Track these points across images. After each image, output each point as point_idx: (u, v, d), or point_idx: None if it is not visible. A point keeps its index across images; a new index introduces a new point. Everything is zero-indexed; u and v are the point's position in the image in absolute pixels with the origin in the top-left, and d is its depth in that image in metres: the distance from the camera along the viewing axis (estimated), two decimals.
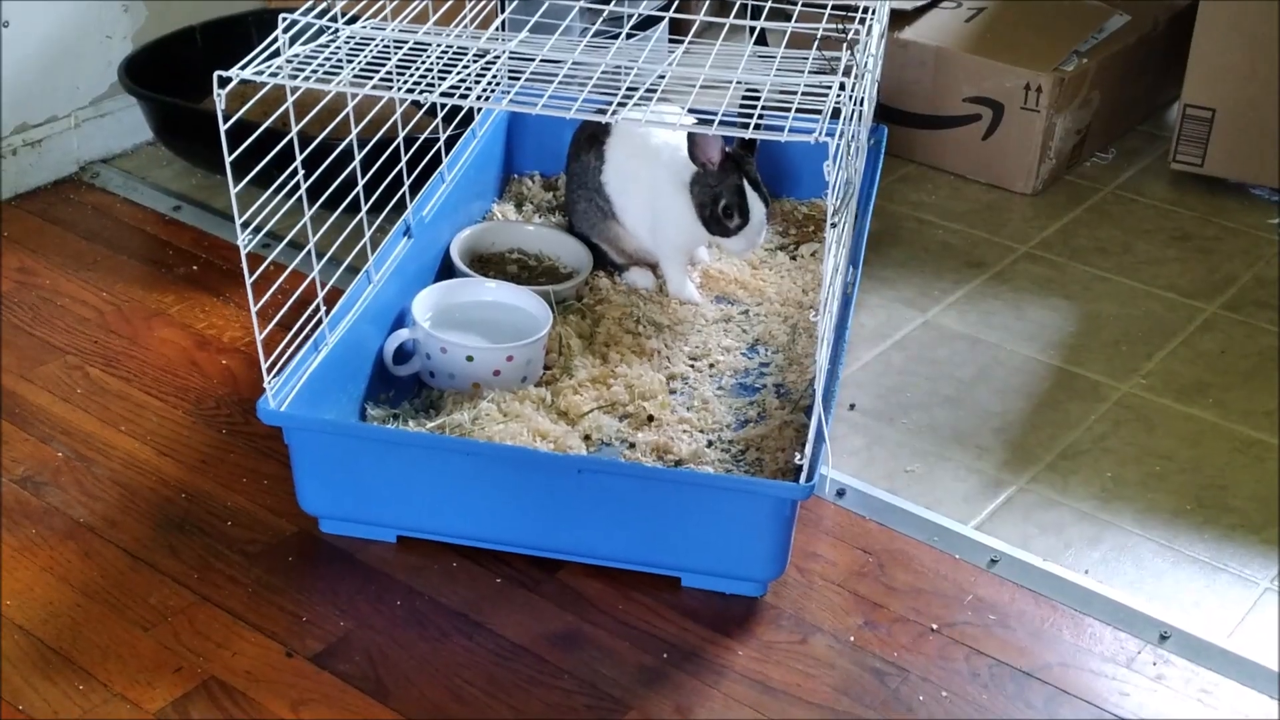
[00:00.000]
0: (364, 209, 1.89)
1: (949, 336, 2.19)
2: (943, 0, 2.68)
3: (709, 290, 2.19)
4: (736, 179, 2.01)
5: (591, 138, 2.16)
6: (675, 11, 2.04)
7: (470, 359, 1.90)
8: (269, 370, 1.68)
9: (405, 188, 2.02)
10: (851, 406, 2.02)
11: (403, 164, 2.00)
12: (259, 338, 1.64)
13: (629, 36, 1.97)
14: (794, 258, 2.28)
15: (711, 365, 2.03)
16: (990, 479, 1.90)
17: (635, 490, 1.64)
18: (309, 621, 1.64)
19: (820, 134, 1.49)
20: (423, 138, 2.13)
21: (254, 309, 1.64)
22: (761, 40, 2.61)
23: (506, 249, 2.21)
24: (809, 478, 1.60)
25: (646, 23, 2.55)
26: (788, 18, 1.83)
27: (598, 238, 2.19)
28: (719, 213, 2.02)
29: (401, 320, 1.97)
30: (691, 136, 1.99)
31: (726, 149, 2.01)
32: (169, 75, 2.47)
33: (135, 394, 1.99)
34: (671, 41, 2.45)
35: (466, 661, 1.59)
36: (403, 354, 1.94)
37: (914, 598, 1.70)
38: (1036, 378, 2.10)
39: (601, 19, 1.79)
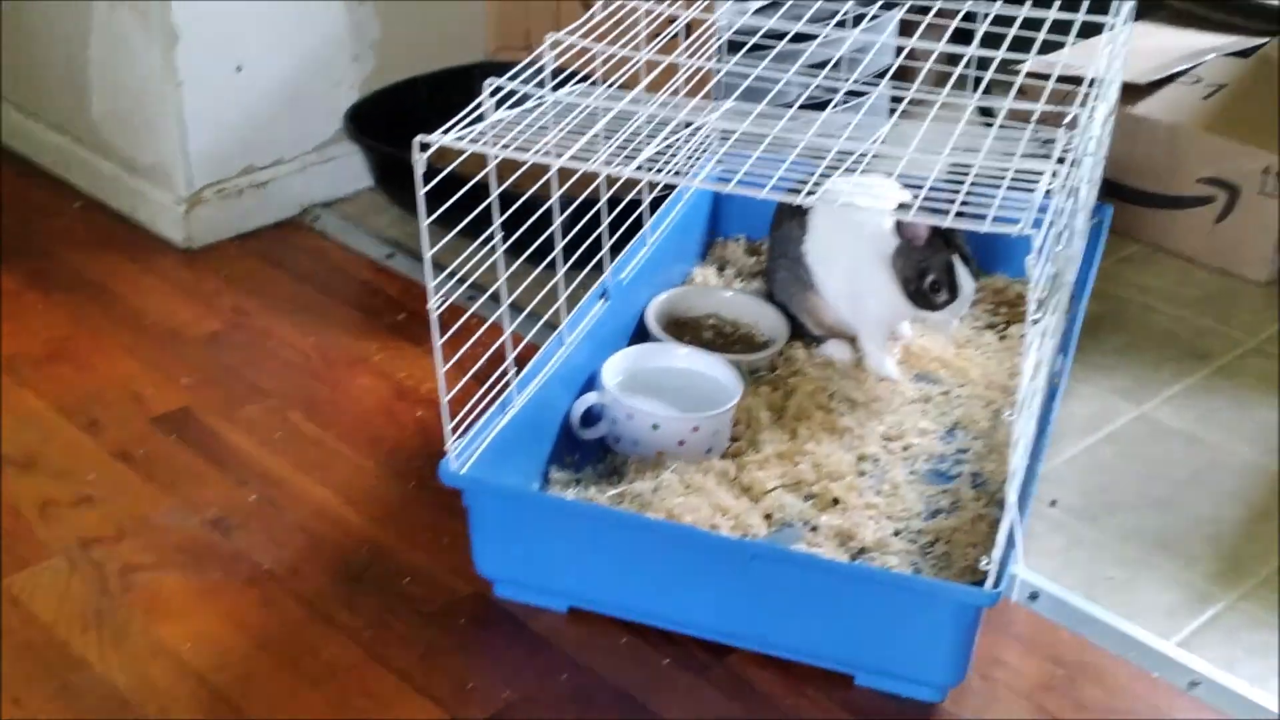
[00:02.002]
0: (561, 271, 1.88)
1: (1165, 433, 2.07)
2: (1180, 76, 2.56)
3: (909, 367, 2.13)
4: (946, 253, 1.94)
5: (796, 207, 2.12)
6: (893, 78, 1.99)
7: (656, 427, 1.87)
8: (453, 431, 1.68)
9: (605, 250, 2.01)
10: (1053, 503, 1.92)
11: (604, 227, 1.99)
12: (444, 400, 1.63)
13: (842, 105, 1.92)
14: (1002, 338, 2.19)
15: (906, 447, 1.96)
16: (1197, 592, 1.79)
17: (808, 581, 1.59)
18: (474, 689, 1.63)
19: (1026, 226, 1.42)
20: (628, 199, 2.12)
21: (440, 372, 1.64)
22: (985, 111, 2.53)
23: (703, 314, 2.18)
24: (995, 584, 1.52)
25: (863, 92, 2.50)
26: (1011, 87, 1.76)
27: (796, 308, 2.14)
28: (925, 288, 1.96)
29: (591, 383, 1.95)
30: (898, 226, 1.93)
31: (937, 229, 1.95)
32: (392, 124, 2.51)
33: (330, 441, 2.02)
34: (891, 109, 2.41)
35: None
36: (590, 417, 1.93)
37: (1106, 717, 1.61)
38: (1256, 484, 1.97)
39: (810, 89, 1.75)
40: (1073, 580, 1.80)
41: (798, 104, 1.69)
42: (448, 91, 2.62)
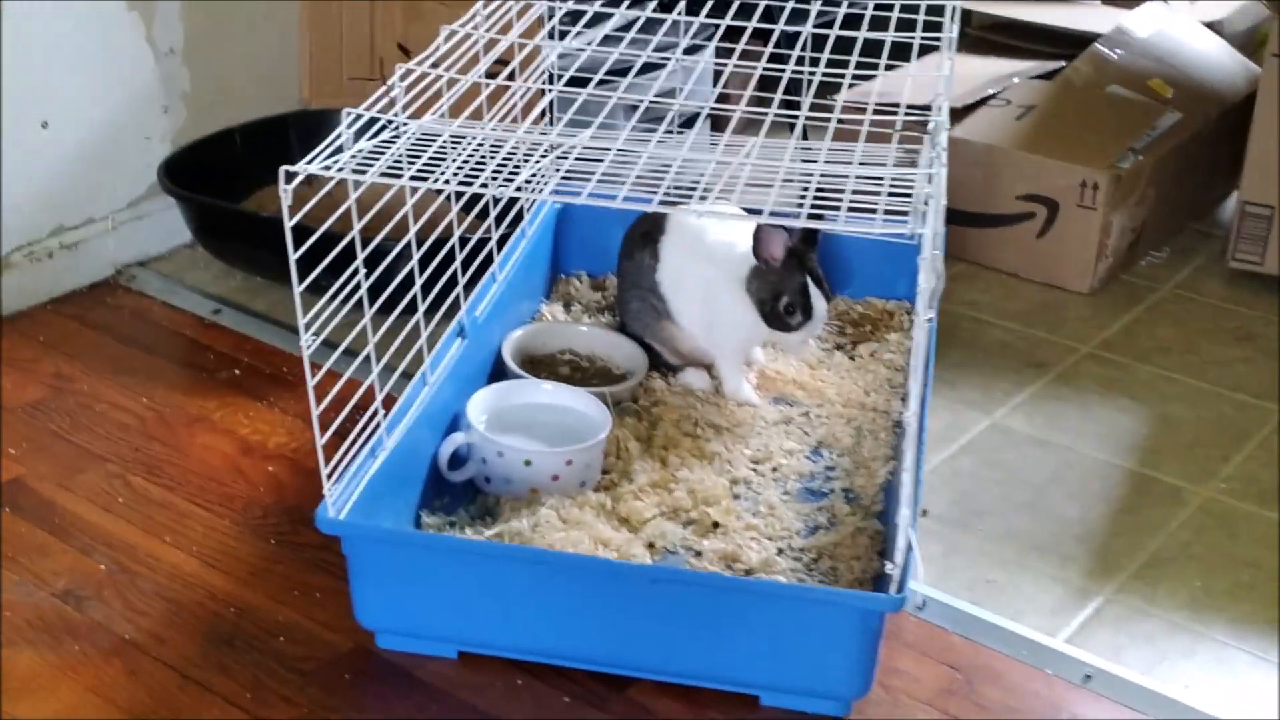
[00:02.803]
0: (421, 309, 1.82)
1: (1017, 440, 2.11)
2: (991, 99, 2.64)
3: (766, 391, 2.13)
4: (799, 275, 1.95)
5: (645, 236, 2.11)
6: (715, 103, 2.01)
7: (528, 463, 1.82)
8: (329, 477, 1.61)
9: (460, 287, 1.96)
10: (924, 513, 1.94)
11: (458, 263, 1.94)
12: (320, 443, 1.56)
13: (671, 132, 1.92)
14: (852, 358, 2.21)
15: (775, 469, 1.95)
16: (1076, 588, 1.82)
17: (712, 601, 1.56)
18: None
19: (916, 226, 1.43)
20: (475, 238, 2.07)
21: (315, 413, 1.56)
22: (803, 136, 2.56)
23: (558, 350, 2.15)
24: (900, 589, 1.52)
25: (689, 121, 2.51)
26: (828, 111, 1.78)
27: (651, 338, 2.13)
28: (780, 309, 1.96)
29: (456, 424, 1.90)
30: (757, 232, 1.93)
31: (788, 244, 1.95)
32: (208, 177, 2.42)
33: (179, 503, 1.91)
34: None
35: None
36: (458, 458, 1.87)
37: (1008, 716, 1.62)
38: (1112, 482, 2.03)
39: (638, 114, 1.74)
40: (956, 586, 1.81)
41: (631, 122, 1.68)
42: (263, 142, 2.54)
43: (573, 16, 2.61)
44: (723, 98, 2.74)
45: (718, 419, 2.03)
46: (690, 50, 2.72)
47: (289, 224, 1.49)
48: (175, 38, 2.45)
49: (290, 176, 1.47)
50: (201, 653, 1.66)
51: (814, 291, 1.97)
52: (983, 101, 2.63)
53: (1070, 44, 2.78)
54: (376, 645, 1.67)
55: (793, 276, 1.96)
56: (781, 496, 1.89)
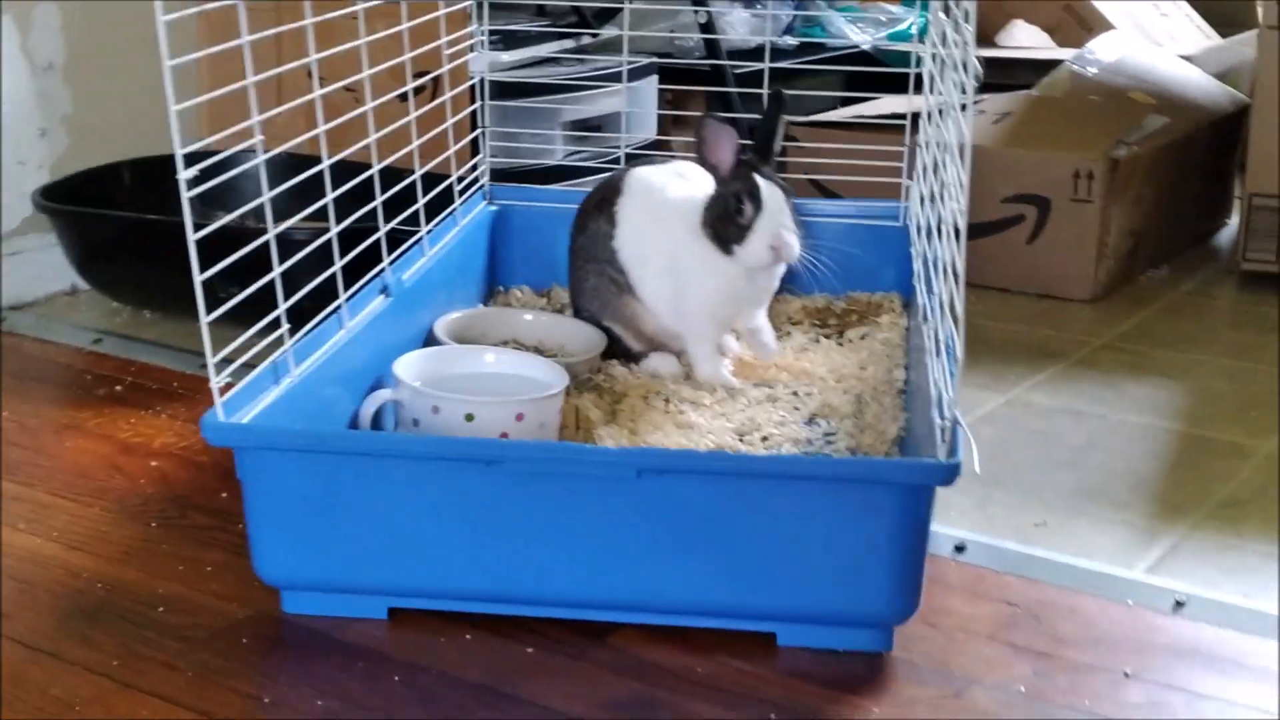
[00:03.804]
0: (339, 263, 1.51)
1: (1044, 412, 1.81)
2: (963, 110, 2.41)
3: (745, 379, 1.81)
4: (750, 178, 1.66)
5: (601, 202, 1.82)
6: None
7: (470, 418, 1.48)
8: (222, 392, 1.27)
9: (381, 234, 1.65)
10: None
11: (378, 202, 1.64)
12: (204, 321, 1.23)
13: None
14: (841, 343, 1.91)
15: (765, 438, 1.62)
16: (1143, 529, 1.49)
17: (714, 500, 1.22)
18: (273, 704, 1.18)
19: None
20: (402, 217, 1.77)
21: (205, 321, 1.23)
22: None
23: (500, 340, 1.83)
24: (951, 453, 1.19)
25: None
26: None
27: (610, 319, 1.82)
28: (731, 213, 1.66)
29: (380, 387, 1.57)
30: (701, 131, 1.65)
31: (743, 157, 1.67)
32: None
33: (40, 496, 1.56)
34: None
35: None
36: (381, 428, 1.54)
37: (1092, 646, 1.27)
38: (1161, 443, 1.72)
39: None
40: (1000, 531, 1.48)
41: None
42: (155, 180, 2.25)
43: (503, 37, 2.41)
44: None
45: (692, 396, 1.71)
46: (635, 74, 2.52)
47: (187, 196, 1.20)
48: (54, 51, 2.18)
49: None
50: (56, 626, 1.30)
51: (764, 183, 1.66)
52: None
53: (1033, 71, 2.59)
54: (284, 611, 1.31)
55: (739, 180, 1.67)
56: None
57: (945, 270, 1.38)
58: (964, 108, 1.34)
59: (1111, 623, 1.31)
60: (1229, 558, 1.44)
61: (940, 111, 1.68)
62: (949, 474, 1.19)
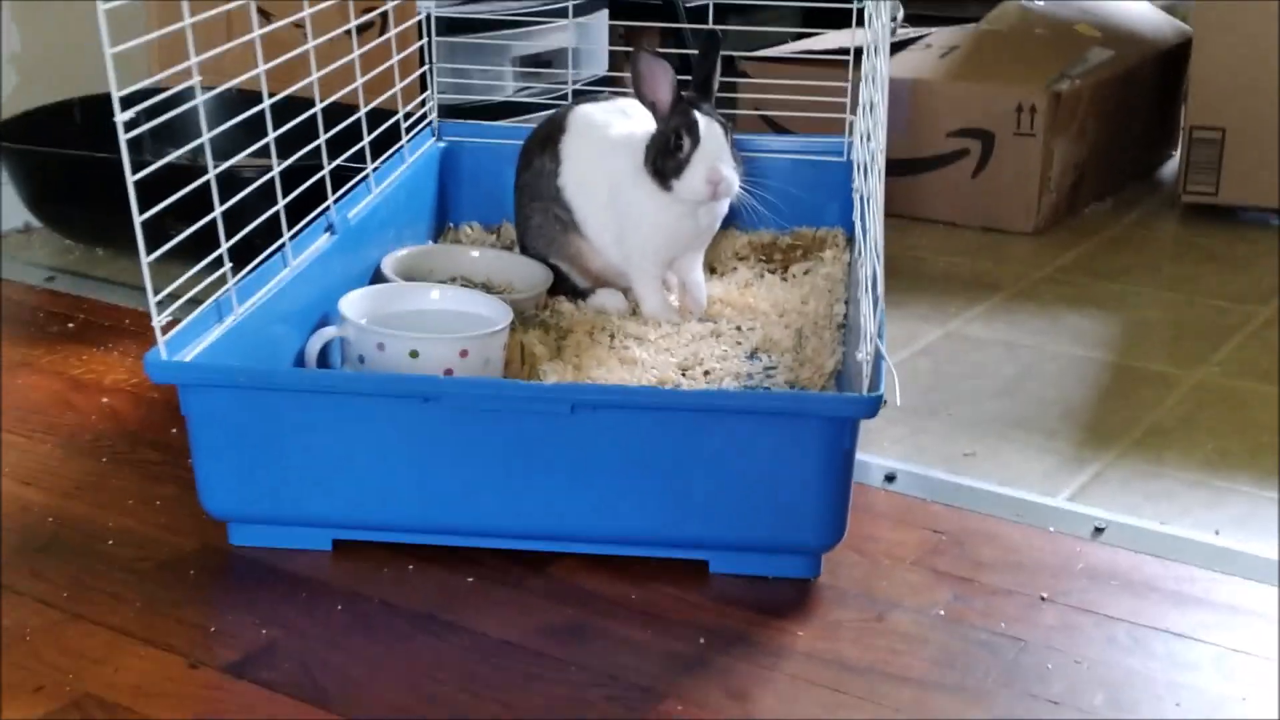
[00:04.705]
0: (281, 203, 1.53)
1: (979, 343, 1.85)
2: (911, 43, 2.44)
3: (691, 314, 1.84)
4: (689, 113, 1.67)
5: (545, 139, 1.85)
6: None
7: (415, 354, 1.51)
8: (164, 330, 1.29)
9: (325, 172, 1.67)
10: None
11: (321, 140, 1.66)
12: (145, 261, 1.25)
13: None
14: (785, 279, 1.94)
15: (706, 373, 1.66)
16: (1069, 457, 1.54)
17: (647, 433, 1.26)
18: (219, 632, 1.21)
19: None
20: (348, 155, 1.79)
21: (145, 262, 1.25)
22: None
23: (448, 277, 1.86)
24: (873, 386, 1.23)
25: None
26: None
27: (556, 256, 1.84)
28: (669, 148, 1.67)
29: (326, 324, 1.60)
30: (637, 65, 1.67)
31: (682, 94, 1.69)
32: (40, 148, 2.13)
33: None
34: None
35: (436, 661, 1.17)
36: (328, 364, 1.57)
37: (1011, 571, 1.32)
38: (1092, 373, 1.77)
39: None
40: (928, 460, 1.53)
41: None
42: (105, 116, 2.25)
43: None
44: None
45: (637, 331, 1.74)
46: (584, 9, 2.54)
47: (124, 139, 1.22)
48: None
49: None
50: (7, 559, 1.32)
51: (702, 118, 1.68)
52: (903, 45, 2.43)
53: (984, 5, 2.61)
54: (230, 544, 1.35)
55: (677, 116, 1.69)
56: None
57: (868, 207, 1.41)
58: (879, 48, 1.36)
59: (1032, 548, 1.36)
60: (1150, 484, 1.48)
61: (876, 49, 1.71)
62: (870, 407, 1.23)
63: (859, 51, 2.01)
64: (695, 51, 1.81)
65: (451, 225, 2.10)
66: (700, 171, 1.66)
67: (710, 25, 1.90)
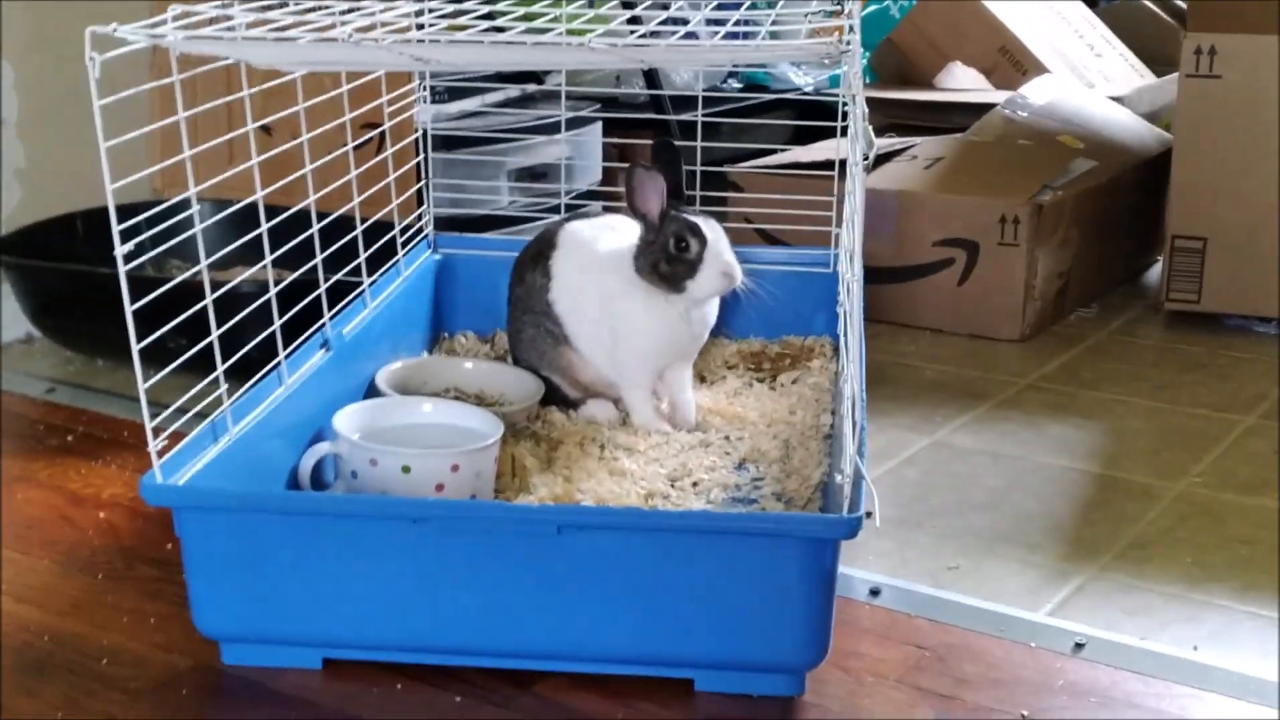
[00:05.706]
0: (277, 322, 1.57)
1: (965, 453, 1.88)
2: (896, 155, 2.49)
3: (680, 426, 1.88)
4: (681, 218, 1.74)
5: (536, 256, 1.89)
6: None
7: (407, 470, 1.54)
8: (160, 454, 1.32)
9: (322, 290, 1.71)
10: (868, 514, 1.68)
11: (319, 260, 1.70)
12: (142, 388, 1.29)
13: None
14: (773, 388, 1.98)
15: (695, 484, 1.69)
16: (1053, 570, 1.56)
17: (632, 554, 1.28)
18: None
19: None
20: (345, 271, 1.83)
21: (139, 370, 1.29)
22: None
23: (442, 389, 1.89)
24: (852, 508, 1.26)
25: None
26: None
27: (548, 368, 1.88)
28: (675, 253, 1.73)
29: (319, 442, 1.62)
30: (630, 180, 1.73)
31: (663, 198, 1.75)
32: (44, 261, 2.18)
33: None
34: None
35: None
36: (321, 480, 1.60)
37: (993, 688, 1.34)
38: (1076, 485, 1.79)
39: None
40: (913, 574, 1.55)
41: None
42: (107, 229, 2.30)
43: (448, 89, 2.47)
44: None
45: (627, 442, 1.77)
46: (578, 122, 2.59)
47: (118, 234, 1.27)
48: (8, 107, 2.23)
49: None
50: (2, 679, 1.34)
51: (703, 220, 1.75)
52: (889, 157, 2.48)
53: (969, 114, 2.66)
54: (222, 662, 1.37)
55: (674, 222, 1.75)
56: (705, 506, 1.63)
57: (849, 324, 1.45)
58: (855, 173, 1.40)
59: (1014, 664, 1.38)
60: (1132, 599, 1.50)
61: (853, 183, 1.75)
62: (849, 528, 1.25)
63: (843, 164, 2.06)
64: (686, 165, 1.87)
65: (446, 335, 2.14)
66: (715, 267, 1.73)
67: (673, 137, 1.96)
